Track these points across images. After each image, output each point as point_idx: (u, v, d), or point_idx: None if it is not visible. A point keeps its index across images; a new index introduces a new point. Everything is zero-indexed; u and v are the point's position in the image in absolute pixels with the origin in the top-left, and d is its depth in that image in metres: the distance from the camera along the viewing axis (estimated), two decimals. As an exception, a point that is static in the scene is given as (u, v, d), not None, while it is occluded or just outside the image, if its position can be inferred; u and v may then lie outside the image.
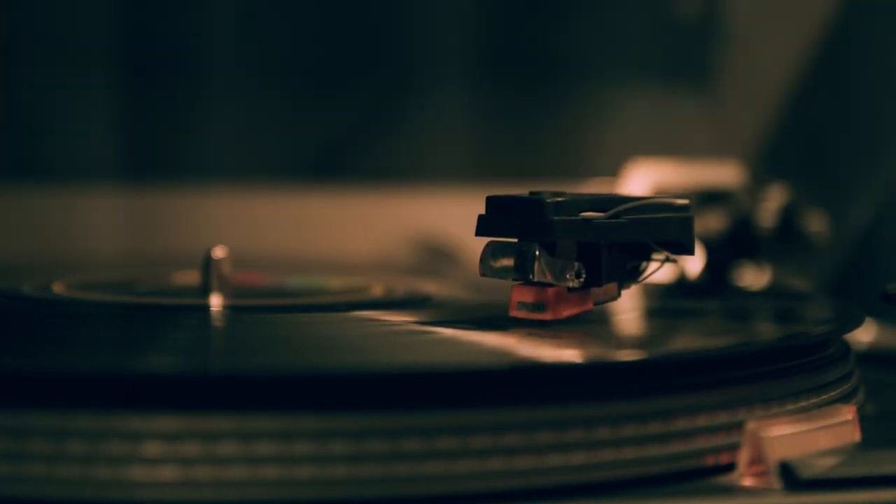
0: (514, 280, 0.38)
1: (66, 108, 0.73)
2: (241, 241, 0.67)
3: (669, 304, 0.49)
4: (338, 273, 0.56)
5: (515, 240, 0.38)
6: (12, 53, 0.73)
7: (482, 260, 0.38)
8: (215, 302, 0.44)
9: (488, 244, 0.38)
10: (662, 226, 0.39)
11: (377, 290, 0.48)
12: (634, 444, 0.32)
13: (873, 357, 0.50)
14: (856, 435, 0.35)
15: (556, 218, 0.37)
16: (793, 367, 0.36)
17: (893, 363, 0.50)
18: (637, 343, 0.39)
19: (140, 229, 0.74)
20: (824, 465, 0.32)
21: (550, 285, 0.38)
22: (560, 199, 0.37)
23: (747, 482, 0.32)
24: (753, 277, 0.59)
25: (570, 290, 0.38)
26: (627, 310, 0.43)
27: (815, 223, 0.59)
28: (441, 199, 0.75)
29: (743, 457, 0.33)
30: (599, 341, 0.38)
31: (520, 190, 0.39)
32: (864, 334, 0.52)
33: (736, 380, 0.34)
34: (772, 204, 0.59)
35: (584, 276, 0.38)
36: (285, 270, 0.57)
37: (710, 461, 0.33)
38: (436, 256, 0.71)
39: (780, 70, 0.74)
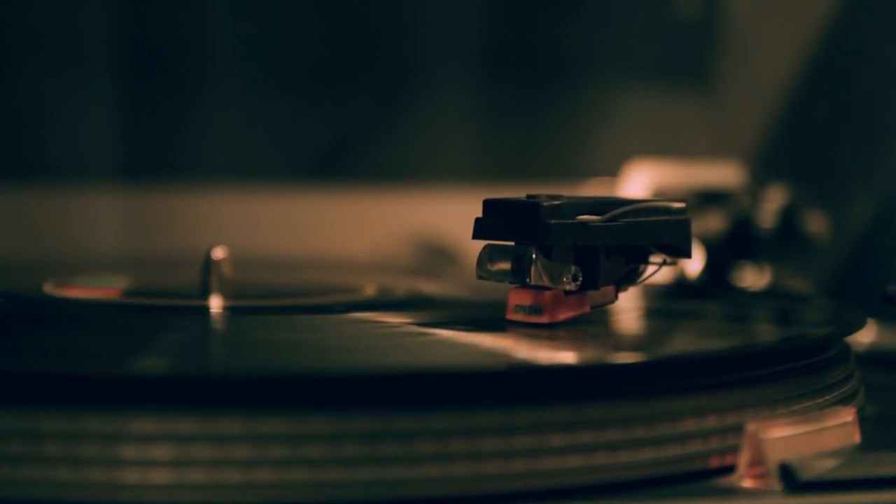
0: (511, 283, 0.38)
1: (66, 108, 0.73)
2: (241, 241, 0.67)
3: (668, 305, 0.49)
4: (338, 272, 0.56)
5: (512, 243, 0.38)
6: (12, 53, 0.73)
7: (479, 263, 0.38)
8: (214, 303, 0.44)
9: (485, 247, 0.38)
10: (659, 229, 0.39)
11: (375, 291, 0.48)
12: (634, 446, 0.32)
13: (873, 358, 0.50)
14: (856, 436, 0.35)
15: (552, 221, 0.37)
16: (793, 368, 0.36)
17: (894, 364, 0.50)
18: (636, 345, 0.39)
19: (140, 229, 0.74)
20: (824, 467, 0.32)
21: (547, 288, 0.38)
22: (557, 202, 0.37)
23: (747, 484, 0.32)
24: (753, 278, 0.58)
25: (567, 293, 0.38)
26: (626, 311, 0.43)
27: (815, 223, 0.59)
28: (441, 199, 0.75)
29: (743, 458, 0.33)
30: (598, 343, 0.38)
31: (519, 191, 0.39)
32: (865, 335, 0.52)
33: (736, 382, 0.34)
34: (772, 204, 0.59)
35: (580, 279, 0.38)
36: (285, 270, 0.56)
37: (711, 463, 0.33)
38: (435, 256, 0.71)
39: (780, 70, 0.74)
